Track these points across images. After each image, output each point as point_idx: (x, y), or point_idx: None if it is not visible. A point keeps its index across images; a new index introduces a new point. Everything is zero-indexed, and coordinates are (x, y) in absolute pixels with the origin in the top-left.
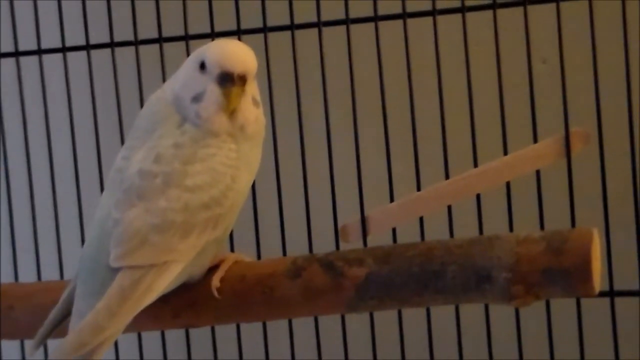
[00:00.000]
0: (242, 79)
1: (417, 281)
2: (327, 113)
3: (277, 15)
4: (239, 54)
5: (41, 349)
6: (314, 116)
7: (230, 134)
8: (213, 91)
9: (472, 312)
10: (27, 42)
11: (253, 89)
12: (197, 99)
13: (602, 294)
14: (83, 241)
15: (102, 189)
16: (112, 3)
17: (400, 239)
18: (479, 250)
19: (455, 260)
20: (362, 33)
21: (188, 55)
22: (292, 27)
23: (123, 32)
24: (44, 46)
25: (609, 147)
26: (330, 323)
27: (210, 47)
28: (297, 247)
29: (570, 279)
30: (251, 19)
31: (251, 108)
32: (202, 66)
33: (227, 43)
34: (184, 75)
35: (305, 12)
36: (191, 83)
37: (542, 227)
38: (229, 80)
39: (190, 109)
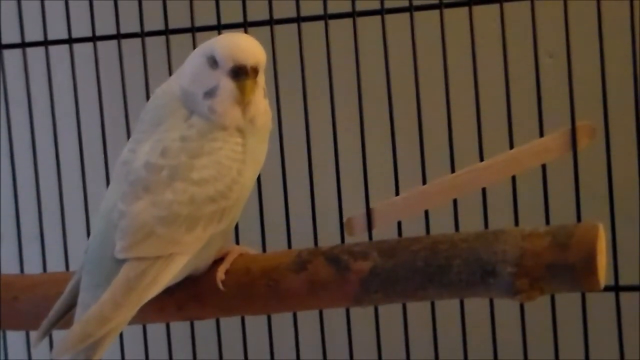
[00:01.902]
0: (255, 71)
1: (422, 275)
2: (333, 106)
3: (284, 7)
4: (249, 47)
5: (46, 339)
6: (320, 109)
7: (239, 127)
8: (227, 85)
9: (476, 306)
10: (33, 33)
11: (262, 82)
12: (210, 94)
13: (607, 289)
14: (88, 233)
15: (107, 181)
16: None
17: (406, 233)
18: (484, 244)
19: (460, 254)
20: (369, 26)
21: (194, 47)
22: (298, 19)
23: (129, 24)
24: (50, 37)
25: (615, 141)
26: (334, 317)
27: (219, 42)
28: (302, 240)
29: (576, 274)
30: (257, 11)
31: (262, 99)
32: (213, 61)
33: (236, 36)
34: (192, 70)
35: (311, 5)
36: (202, 78)
37: (547, 221)
38: (243, 73)
39: (202, 105)
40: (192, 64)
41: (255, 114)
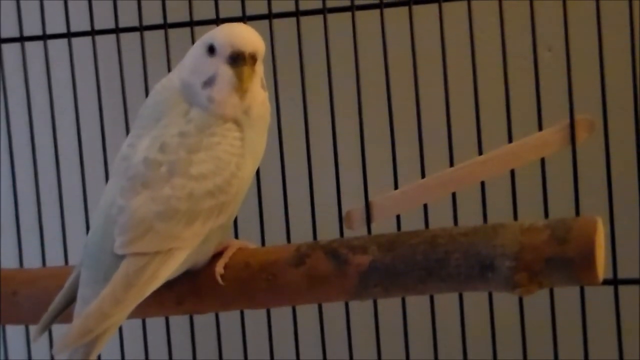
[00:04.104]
0: (253, 58)
1: (421, 269)
2: (332, 99)
3: (283, 2)
4: (248, 34)
5: (45, 334)
6: (319, 103)
7: (236, 120)
8: (226, 72)
9: (475, 300)
10: (32, 28)
11: (261, 72)
12: (208, 83)
13: (605, 282)
14: (88, 227)
15: (106, 174)
16: None
17: (405, 227)
18: (483, 238)
19: (459, 248)
20: (368, 20)
21: (193, 41)
22: (297, 13)
23: (128, 18)
24: (48, 32)
25: (614, 135)
26: (334, 311)
27: (219, 31)
28: (301, 234)
29: (574, 268)
30: (256, 5)
31: (260, 90)
32: (211, 50)
33: (235, 25)
34: (191, 62)
35: None
36: (201, 68)
37: (546, 215)
38: (241, 60)
39: (201, 95)
40: (191, 56)
41: (251, 103)
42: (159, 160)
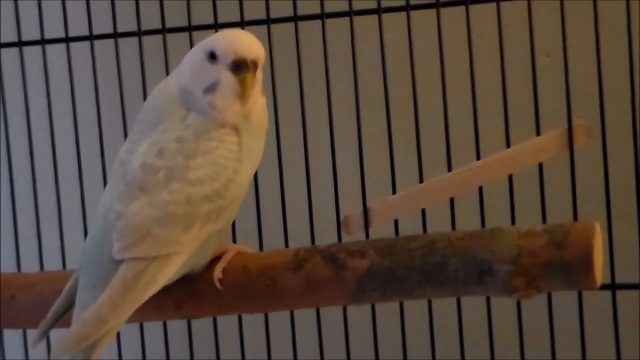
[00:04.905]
0: (255, 65)
1: (419, 273)
2: (330, 105)
3: (281, 6)
4: (249, 41)
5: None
6: (317, 108)
7: (235, 126)
8: (228, 79)
9: (473, 304)
10: (30, 32)
11: (260, 78)
12: (210, 89)
13: (603, 287)
14: (85, 231)
15: (104, 178)
16: None
17: (403, 231)
18: (481, 242)
19: (457, 253)
20: (365, 25)
21: (191, 46)
22: (295, 18)
23: (126, 23)
24: (47, 36)
25: (611, 140)
26: (332, 315)
27: (220, 37)
28: (300, 239)
29: (572, 272)
30: (254, 10)
31: (259, 96)
32: (212, 56)
33: (235, 32)
34: (190, 67)
35: (308, 4)
36: (201, 74)
37: (544, 220)
38: (244, 67)
39: (202, 101)
40: (190, 61)
41: (251, 109)
42: (156, 166)
